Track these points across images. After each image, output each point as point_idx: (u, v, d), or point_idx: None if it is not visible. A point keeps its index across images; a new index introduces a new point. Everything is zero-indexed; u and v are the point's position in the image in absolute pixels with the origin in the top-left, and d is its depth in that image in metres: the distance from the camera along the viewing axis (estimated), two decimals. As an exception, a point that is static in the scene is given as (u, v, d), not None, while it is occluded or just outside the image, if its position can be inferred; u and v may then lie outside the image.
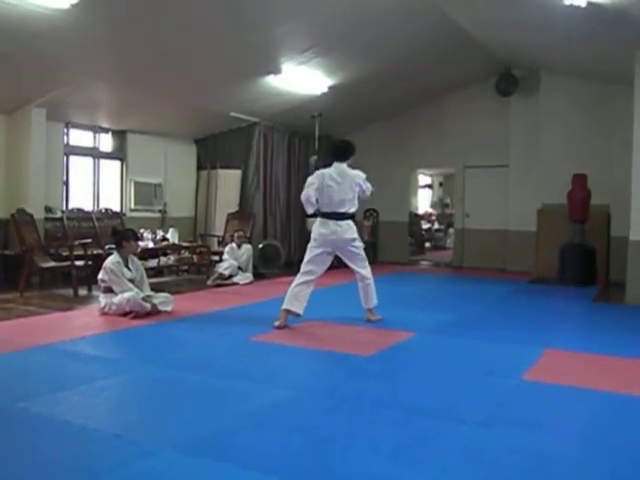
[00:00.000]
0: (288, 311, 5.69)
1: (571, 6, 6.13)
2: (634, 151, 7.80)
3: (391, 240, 12.63)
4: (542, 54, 9.63)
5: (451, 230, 14.78)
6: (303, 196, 5.79)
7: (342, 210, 5.80)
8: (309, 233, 11.32)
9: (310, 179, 5.85)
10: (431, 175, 19.38)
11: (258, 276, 9.18)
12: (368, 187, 5.99)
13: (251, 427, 3.23)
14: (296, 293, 5.72)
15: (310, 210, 5.87)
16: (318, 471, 2.71)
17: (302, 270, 5.84)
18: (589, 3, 6.06)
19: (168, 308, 6.27)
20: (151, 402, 3.72)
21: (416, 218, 16.11)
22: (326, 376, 4.22)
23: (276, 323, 5.67)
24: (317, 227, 5.85)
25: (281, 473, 2.68)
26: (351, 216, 5.92)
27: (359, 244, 6.00)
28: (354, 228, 5.94)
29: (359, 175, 5.95)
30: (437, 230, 18.29)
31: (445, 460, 2.85)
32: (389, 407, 3.55)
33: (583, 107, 10.27)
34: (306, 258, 5.87)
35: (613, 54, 8.19)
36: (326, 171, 5.86)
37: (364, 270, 6.00)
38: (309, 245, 5.93)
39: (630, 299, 7.73)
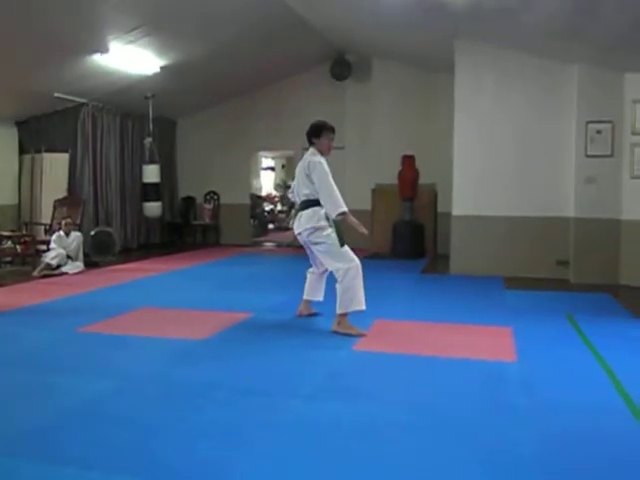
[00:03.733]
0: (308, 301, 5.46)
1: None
2: (455, 133, 8.37)
3: (233, 222, 12.55)
4: (373, 41, 9.98)
5: (293, 211, 14.98)
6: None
7: (298, 200, 5.20)
8: (147, 219, 11.15)
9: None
10: (273, 157, 19.50)
11: (90, 265, 8.72)
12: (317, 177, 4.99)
13: (74, 422, 3.06)
14: (307, 284, 5.49)
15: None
16: (143, 462, 2.62)
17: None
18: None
19: (-15, 303, 5.77)
20: (-40, 405, 3.40)
21: (258, 200, 16.14)
22: (156, 363, 4.09)
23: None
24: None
25: (103, 467, 2.56)
26: (312, 203, 5.05)
27: (319, 236, 5.05)
28: (315, 217, 5.04)
29: (312, 161, 5.04)
30: (280, 212, 18.47)
31: (274, 436, 2.88)
32: (220, 389, 3.52)
33: (411, 93, 10.82)
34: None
35: (436, 43, 8.69)
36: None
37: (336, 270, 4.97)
38: None
39: (454, 269, 8.33)
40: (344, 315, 4.87)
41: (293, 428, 2.97)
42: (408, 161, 10.05)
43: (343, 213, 4.90)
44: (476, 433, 2.93)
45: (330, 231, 5.02)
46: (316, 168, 4.97)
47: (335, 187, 4.98)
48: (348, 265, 4.88)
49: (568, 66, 7.77)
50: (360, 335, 4.79)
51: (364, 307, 4.84)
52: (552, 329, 5.14)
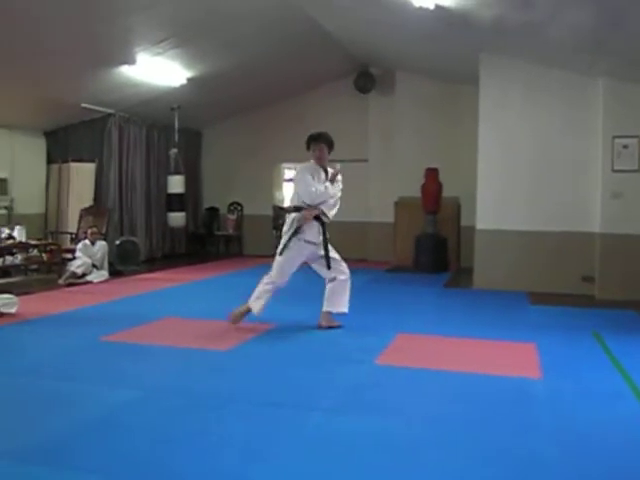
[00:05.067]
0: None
1: (420, 8, 6.40)
2: (479, 147, 8.33)
3: (256, 233, 12.61)
4: (396, 54, 10.01)
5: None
6: None
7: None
8: (172, 229, 11.23)
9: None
10: (296, 169, 19.56)
11: (115, 274, 8.81)
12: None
13: (95, 431, 3.09)
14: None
15: None
16: (163, 472, 2.63)
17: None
18: (437, 6, 6.35)
19: (12, 310, 5.85)
20: (-13, 411, 3.45)
21: (281, 211, 16.19)
22: (179, 374, 4.12)
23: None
24: None
25: (123, 476, 2.58)
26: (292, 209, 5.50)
27: (284, 238, 5.44)
28: (288, 220, 5.48)
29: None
30: (302, 224, 18.50)
31: (295, 449, 2.88)
32: (240, 401, 3.53)
33: (434, 105, 10.80)
34: None
35: (460, 56, 8.67)
36: None
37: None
38: None
39: (477, 283, 8.25)
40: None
41: (314, 441, 2.97)
42: (431, 174, 10.02)
43: (289, 210, 5.38)
44: (501, 450, 2.90)
45: (285, 238, 5.35)
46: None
47: (301, 187, 5.35)
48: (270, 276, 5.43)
49: (593, 80, 7.70)
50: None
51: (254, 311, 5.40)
52: (578, 346, 5.06)
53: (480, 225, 8.30)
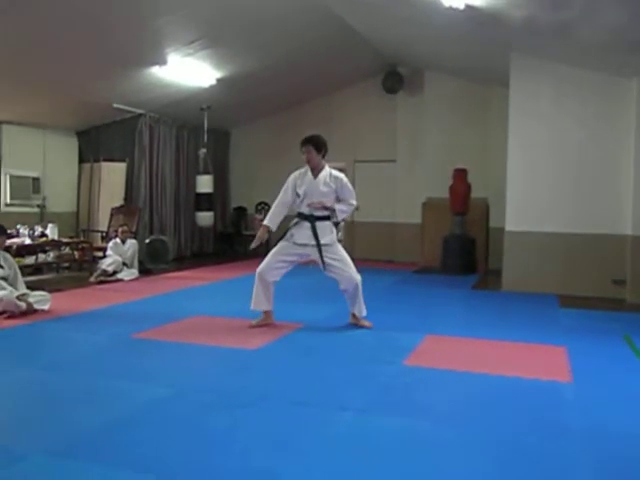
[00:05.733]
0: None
1: (451, 8, 6.37)
2: (509, 148, 8.27)
3: (282, 233, 12.60)
4: (425, 54, 9.99)
5: (342, 223, 15.01)
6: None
7: None
8: (200, 228, 11.33)
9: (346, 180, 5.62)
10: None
11: (144, 272, 8.92)
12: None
13: (129, 426, 3.14)
14: None
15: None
16: (197, 467, 2.67)
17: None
18: (467, 6, 6.33)
19: (45, 307, 5.97)
20: (24, 405, 3.53)
21: (308, 212, 16.23)
22: (210, 371, 4.16)
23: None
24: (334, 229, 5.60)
25: (158, 471, 2.62)
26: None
27: None
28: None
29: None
30: (329, 224, 18.52)
31: (326, 448, 2.89)
32: (270, 399, 3.56)
33: (463, 106, 10.75)
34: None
35: (490, 56, 8.63)
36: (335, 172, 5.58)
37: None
38: (340, 247, 5.60)
39: (506, 285, 8.19)
40: None
41: (345, 441, 2.98)
42: (460, 175, 9.97)
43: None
44: (531, 454, 2.88)
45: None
46: None
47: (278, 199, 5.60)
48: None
49: (627, 80, 7.59)
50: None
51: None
52: (608, 350, 5.00)
53: (509, 226, 8.24)
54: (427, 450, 2.90)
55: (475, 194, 10.03)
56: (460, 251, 9.81)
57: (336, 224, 5.62)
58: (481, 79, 10.30)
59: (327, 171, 5.50)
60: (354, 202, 5.60)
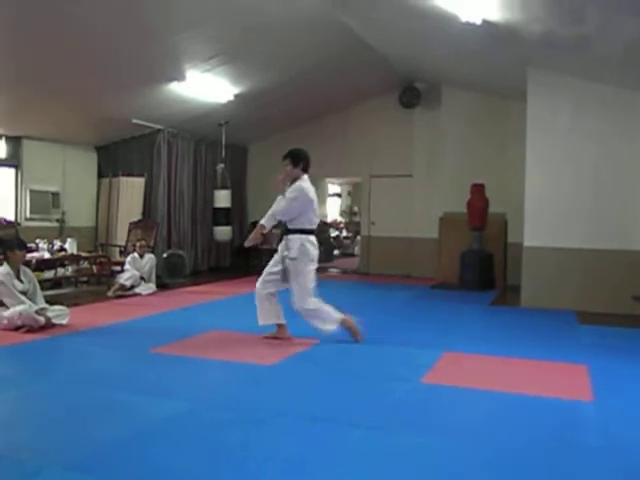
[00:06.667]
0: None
1: (468, 23, 6.38)
2: (527, 163, 8.21)
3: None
4: (442, 69, 9.99)
5: (359, 238, 15.01)
6: (287, 210, 5.34)
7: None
8: (217, 243, 11.36)
9: (295, 194, 5.37)
10: (340, 184, 19.65)
11: (162, 286, 8.96)
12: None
13: (145, 441, 3.13)
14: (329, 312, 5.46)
15: (271, 224, 5.47)
16: (212, 484, 2.66)
17: (312, 293, 5.42)
18: (484, 21, 6.33)
19: (64, 321, 6.00)
20: (41, 419, 3.53)
21: (325, 226, 16.25)
22: (226, 387, 4.16)
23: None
24: (310, 245, 5.39)
25: (173, 488, 2.61)
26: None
27: None
28: None
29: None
30: (345, 238, 18.53)
31: (339, 465, 2.86)
32: (287, 416, 3.54)
33: (481, 120, 10.73)
34: (311, 280, 5.42)
35: (507, 70, 8.61)
36: (305, 185, 5.43)
37: None
38: (308, 268, 5.39)
39: (525, 302, 8.11)
40: None
41: (358, 458, 2.95)
42: (478, 189, 9.92)
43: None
44: (551, 474, 2.83)
45: None
46: None
47: None
48: None
49: (647, 95, 7.54)
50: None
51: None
52: (630, 368, 4.92)
53: (528, 242, 8.17)
54: (442, 469, 2.86)
55: (493, 209, 9.97)
56: (478, 266, 9.74)
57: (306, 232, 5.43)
58: (498, 94, 10.28)
59: (296, 184, 5.44)
60: (269, 211, 5.47)
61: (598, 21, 5.82)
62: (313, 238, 5.49)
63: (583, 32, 6.16)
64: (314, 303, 5.41)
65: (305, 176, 5.52)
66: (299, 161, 5.48)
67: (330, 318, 5.43)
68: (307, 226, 5.45)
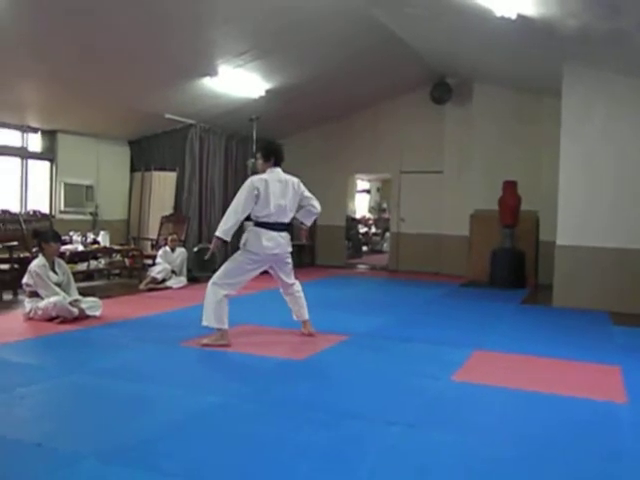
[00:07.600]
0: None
1: (502, 18, 6.30)
2: (561, 161, 8.09)
3: (328, 244, 12.67)
4: (475, 64, 9.88)
5: (387, 234, 14.97)
6: (241, 203, 5.09)
7: (286, 220, 5.36)
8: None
9: (250, 185, 5.14)
10: (369, 180, 19.60)
11: (192, 280, 9.04)
12: (313, 198, 5.60)
13: (178, 434, 3.17)
14: (223, 311, 5.15)
15: (233, 221, 5.10)
16: (244, 476, 2.68)
17: (228, 282, 5.21)
18: (519, 16, 6.25)
19: (97, 313, 6.09)
20: (75, 410, 3.59)
21: (353, 222, 16.23)
22: (257, 381, 4.18)
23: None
24: (258, 239, 5.19)
25: (206, 480, 2.64)
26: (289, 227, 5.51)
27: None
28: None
29: (300, 183, 5.47)
30: (374, 234, 18.49)
31: (373, 462, 2.86)
32: (319, 410, 3.55)
33: (513, 117, 10.60)
34: (237, 272, 5.25)
35: (542, 66, 8.48)
36: (266, 177, 5.20)
37: (297, 282, 5.70)
38: (242, 259, 5.28)
39: (557, 301, 8.00)
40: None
41: (393, 455, 2.94)
42: (510, 187, 9.81)
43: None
44: (581, 476, 2.80)
45: None
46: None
47: None
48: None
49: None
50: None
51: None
52: (666, 370, 4.83)
53: (561, 241, 8.05)
54: (477, 468, 2.84)
55: (525, 207, 9.85)
56: (509, 265, 9.64)
57: (257, 225, 5.29)
58: (532, 90, 10.14)
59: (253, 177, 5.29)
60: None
61: (635, 14, 5.70)
62: (266, 231, 5.24)
63: (620, 26, 6.04)
64: (220, 292, 5.14)
65: (277, 169, 5.31)
66: (270, 155, 5.30)
67: (217, 314, 5.10)
68: (262, 219, 5.25)
